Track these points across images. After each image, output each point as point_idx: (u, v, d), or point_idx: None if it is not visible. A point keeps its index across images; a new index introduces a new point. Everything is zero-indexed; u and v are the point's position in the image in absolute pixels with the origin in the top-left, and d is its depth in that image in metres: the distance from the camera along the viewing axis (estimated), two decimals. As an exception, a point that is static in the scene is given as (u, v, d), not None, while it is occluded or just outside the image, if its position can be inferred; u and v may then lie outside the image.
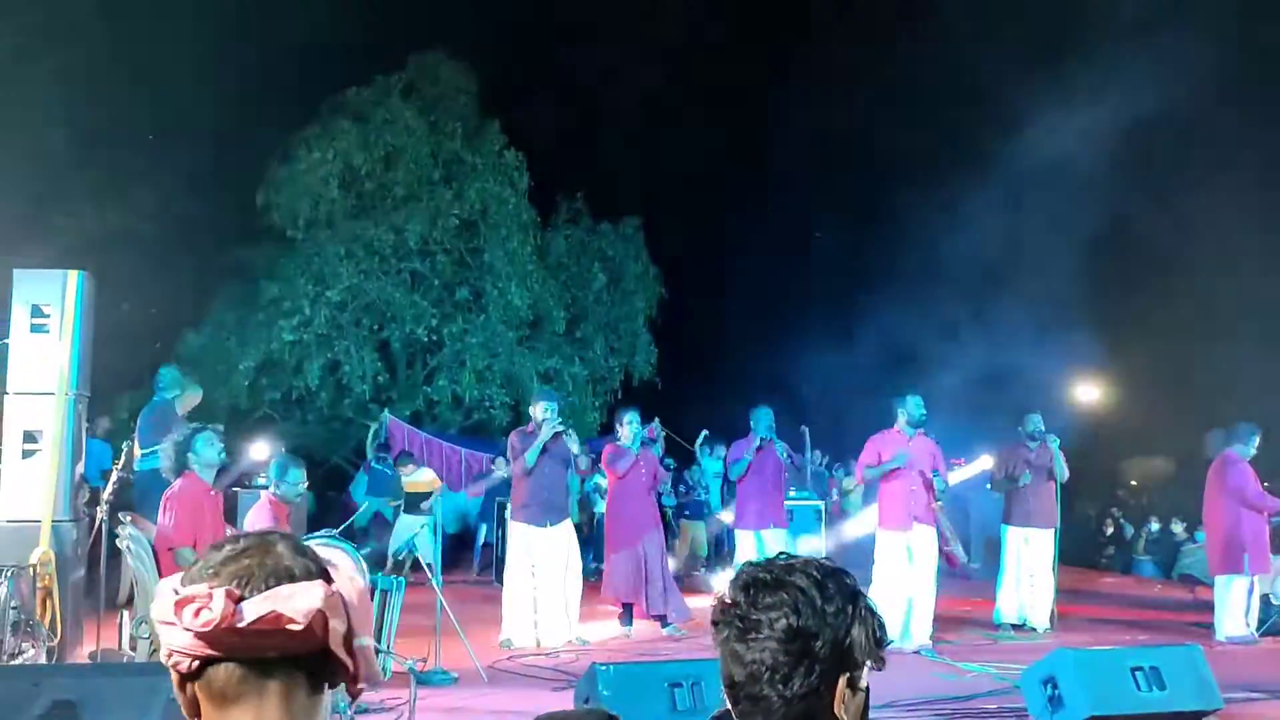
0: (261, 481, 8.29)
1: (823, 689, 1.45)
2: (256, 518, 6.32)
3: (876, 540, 7.85)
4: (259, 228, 16.21)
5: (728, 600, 1.52)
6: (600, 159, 18.81)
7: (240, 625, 1.12)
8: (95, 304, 6.42)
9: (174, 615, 1.13)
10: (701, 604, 9.77)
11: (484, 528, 12.71)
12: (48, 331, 6.13)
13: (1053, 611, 8.46)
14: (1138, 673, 5.01)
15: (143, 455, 7.39)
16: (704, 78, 19.99)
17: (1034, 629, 8.35)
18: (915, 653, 7.30)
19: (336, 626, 1.16)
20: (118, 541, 5.11)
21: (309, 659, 1.17)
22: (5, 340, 6.13)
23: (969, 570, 10.42)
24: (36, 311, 6.14)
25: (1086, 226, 13.68)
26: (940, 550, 8.21)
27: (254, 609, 1.13)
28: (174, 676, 1.18)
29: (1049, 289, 14.03)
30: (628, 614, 8.19)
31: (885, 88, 17.19)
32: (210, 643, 1.13)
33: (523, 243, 16.84)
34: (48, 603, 5.81)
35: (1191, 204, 14.06)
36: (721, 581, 10.31)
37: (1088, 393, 17.22)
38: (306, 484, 6.54)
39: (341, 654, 1.17)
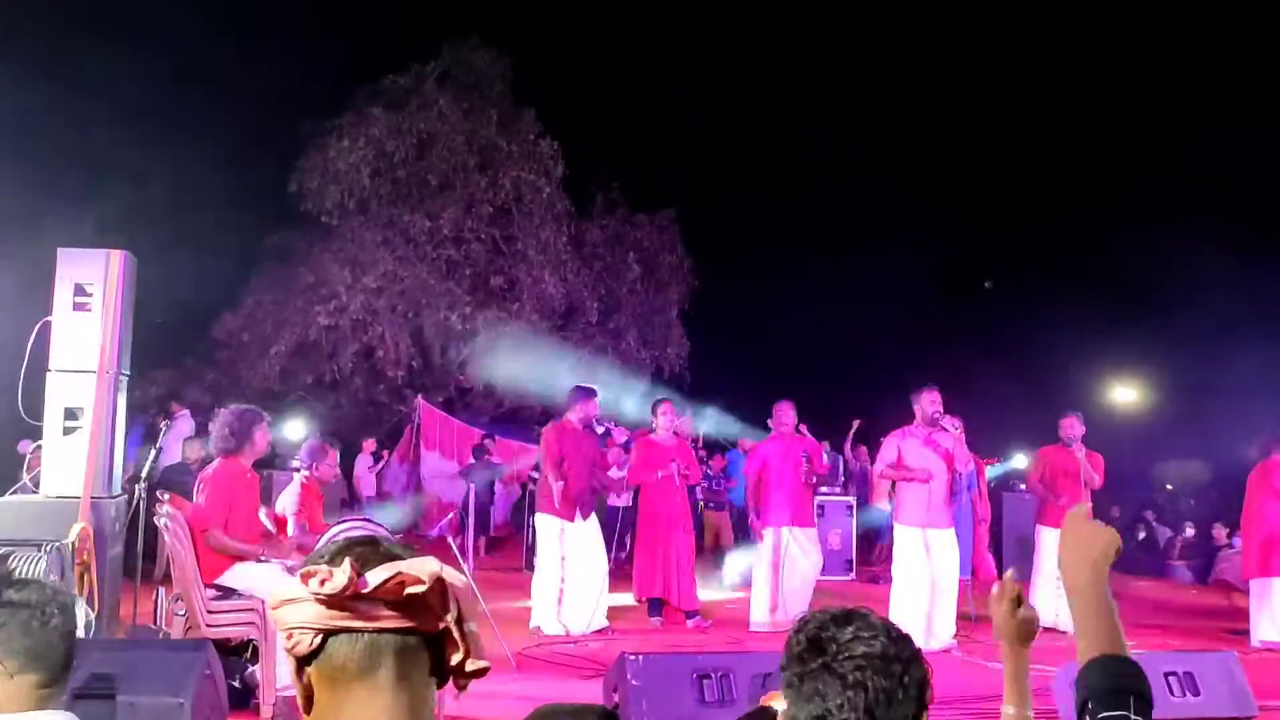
0: (295, 464, 8.35)
1: None
2: (290, 499, 6.38)
3: (895, 536, 7.82)
4: (295, 212, 16.33)
5: (803, 641, 1.48)
6: (637, 150, 18.76)
7: (365, 591, 1.13)
8: (136, 284, 6.49)
9: (299, 587, 1.14)
10: (718, 596, 9.77)
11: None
12: (90, 310, 6.20)
13: None
14: (1171, 678, 4.95)
15: None
16: (744, 72, 19.90)
17: (1065, 631, 8.27)
18: (944, 651, 7.26)
19: (450, 606, 1.18)
20: (155, 519, 5.17)
21: (426, 638, 1.18)
22: (48, 318, 6.20)
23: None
24: (79, 290, 6.20)
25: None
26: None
27: (377, 575, 1.14)
28: (292, 665, 1.19)
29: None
30: (656, 606, 8.20)
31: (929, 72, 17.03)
32: (335, 610, 1.14)
33: (557, 232, 16.84)
34: (85, 577, 5.88)
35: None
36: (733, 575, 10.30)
37: (1124, 394, 17.02)
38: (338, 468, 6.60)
39: (456, 633, 1.18)
